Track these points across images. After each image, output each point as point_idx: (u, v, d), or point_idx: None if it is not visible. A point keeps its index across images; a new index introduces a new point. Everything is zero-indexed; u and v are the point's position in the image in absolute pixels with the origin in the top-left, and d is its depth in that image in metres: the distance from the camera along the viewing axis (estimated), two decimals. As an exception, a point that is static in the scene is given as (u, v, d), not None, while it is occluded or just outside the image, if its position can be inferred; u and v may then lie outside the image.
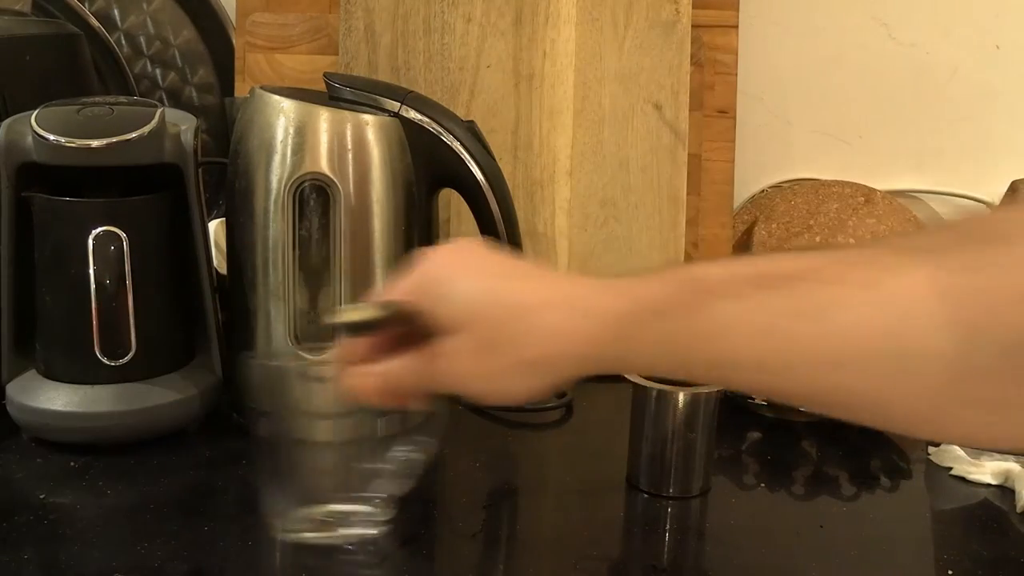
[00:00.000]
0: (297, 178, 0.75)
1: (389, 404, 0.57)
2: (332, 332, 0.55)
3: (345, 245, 0.76)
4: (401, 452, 0.65)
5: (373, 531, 0.65)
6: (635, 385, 0.72)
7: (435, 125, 0.77)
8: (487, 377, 0.51)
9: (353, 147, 0.75)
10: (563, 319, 0.49)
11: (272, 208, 0.75)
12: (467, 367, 0.52)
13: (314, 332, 0.77)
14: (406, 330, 0.54)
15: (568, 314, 0.49)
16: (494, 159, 0.79)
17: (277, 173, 0.75)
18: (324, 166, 0.75)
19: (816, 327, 0.44)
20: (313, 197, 0.75)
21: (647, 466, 0.73)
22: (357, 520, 0.65)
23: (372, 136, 0.76)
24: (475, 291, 0.51)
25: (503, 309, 0.50)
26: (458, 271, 0.53)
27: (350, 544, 0.65)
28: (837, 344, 0.43)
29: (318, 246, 0.76)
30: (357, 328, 0.54)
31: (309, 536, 0.65)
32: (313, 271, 0.76)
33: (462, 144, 0.77)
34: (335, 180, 0.75)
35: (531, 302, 0.50)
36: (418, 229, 0.79)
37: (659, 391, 0.71)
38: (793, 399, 0.49)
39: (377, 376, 0.55)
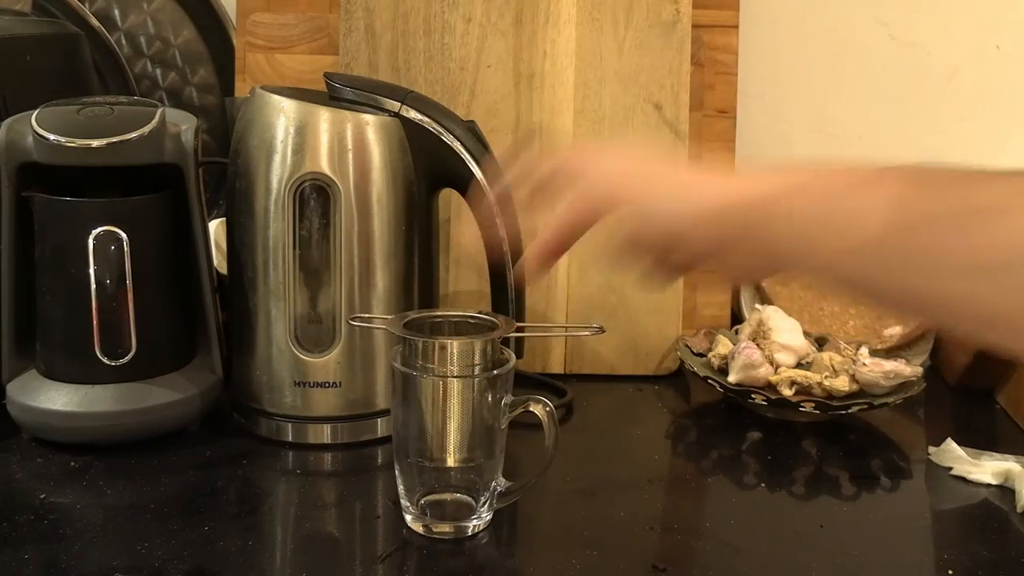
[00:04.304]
0: (297, 178, 0.75)
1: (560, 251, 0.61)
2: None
3: (345, 245, 0.76)
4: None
5: (478, 523, 0.66)
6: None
7: (435, 125, 0.78)
8: (648, 179, 0.56)
9: (353, 147, 0.75)
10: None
11: (272, 208, 0.75)
12: (623, 166, 0.58)
13: (314, 332, 0.77)
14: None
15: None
16: (495, 159, 0.79)
17: (277, 173, 0.75)
18: (324, 166, 0.75)
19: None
20: (313, 197, 0.75)
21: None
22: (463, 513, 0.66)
23: (372, 136, 0.76)
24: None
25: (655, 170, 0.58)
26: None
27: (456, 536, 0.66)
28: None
29: (318, 246, 0.76)
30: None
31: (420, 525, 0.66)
32: (313, 271, 0.76)
33: (462, 144, 0.77)
34: (335, 180, 0.75)
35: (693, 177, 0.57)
36: (418, 229, 0.79)
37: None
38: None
39: (552, 226, 0.59)
